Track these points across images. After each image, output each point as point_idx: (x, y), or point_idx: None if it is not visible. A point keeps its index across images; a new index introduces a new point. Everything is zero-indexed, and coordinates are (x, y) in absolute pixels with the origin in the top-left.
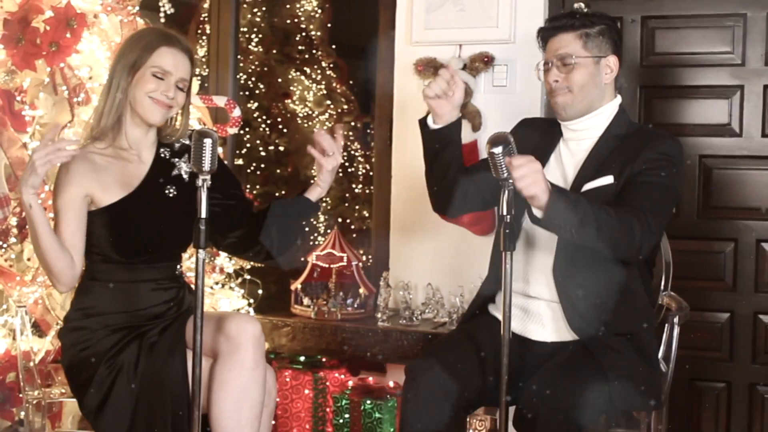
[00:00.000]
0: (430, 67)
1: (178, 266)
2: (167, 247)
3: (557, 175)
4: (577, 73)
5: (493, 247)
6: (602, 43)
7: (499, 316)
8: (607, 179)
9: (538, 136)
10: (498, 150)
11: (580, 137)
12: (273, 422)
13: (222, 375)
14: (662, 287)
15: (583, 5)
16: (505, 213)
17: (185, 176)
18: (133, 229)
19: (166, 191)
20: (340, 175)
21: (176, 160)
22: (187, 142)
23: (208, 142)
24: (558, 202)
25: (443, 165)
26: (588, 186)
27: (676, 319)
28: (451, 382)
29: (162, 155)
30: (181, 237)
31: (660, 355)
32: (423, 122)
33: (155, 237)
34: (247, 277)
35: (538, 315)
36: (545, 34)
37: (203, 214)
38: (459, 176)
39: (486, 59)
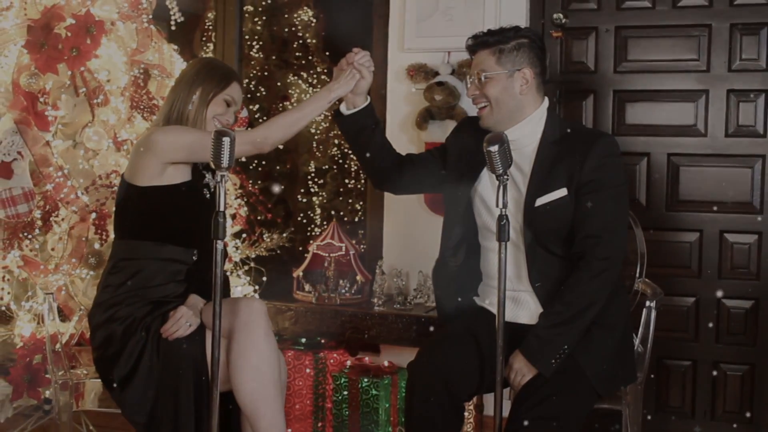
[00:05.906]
0: (420, 72)
1: (194, 253)
2: (195, 234)
3: (508, 190)
4: (490, 88)
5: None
6: (517, 57)
7: (491, 308)
8: (561, 192)
9: (476, 142)
10: (494, 148)
11: (517, 147)
12: None
13: (239, 347)
14: (637, 274)
15: (561, 16)
16: (500, 206)
17: (212, 185)
18: (180, 212)
19: (204, 192)
20: (335, 171)
21: (205, 172)
22: None
23: (226, 140)
24: (547, 355)
25: (362, 147)
26: (543, 200)
27: (653, 304)
28: (451, 376)
29: (198, 166)
30: (207, 230)
31: (639, 338)
32: (337, 113)
33: (190, 223)
34: (253, 265)
35: (526, 302)
36: (469, 52)
37: (222, 208)
38: (390, 158)
39: None
